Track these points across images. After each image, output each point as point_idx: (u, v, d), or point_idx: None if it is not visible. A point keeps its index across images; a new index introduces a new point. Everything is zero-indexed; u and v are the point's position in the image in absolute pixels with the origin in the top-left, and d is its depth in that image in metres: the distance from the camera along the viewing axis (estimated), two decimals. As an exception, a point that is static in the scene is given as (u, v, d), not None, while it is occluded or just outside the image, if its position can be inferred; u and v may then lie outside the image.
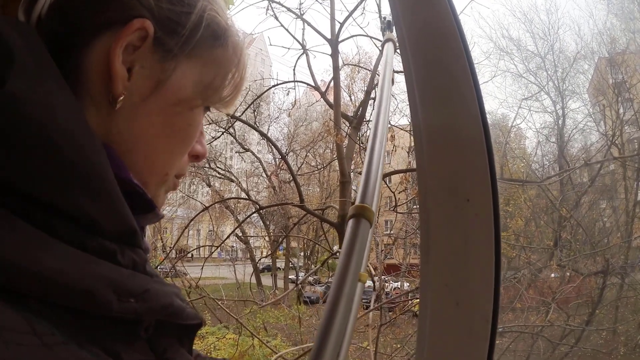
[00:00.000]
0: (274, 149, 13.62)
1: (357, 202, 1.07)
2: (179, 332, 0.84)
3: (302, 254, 26.42)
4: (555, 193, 11.75)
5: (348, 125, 9.30)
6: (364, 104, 9.65)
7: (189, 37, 0.84)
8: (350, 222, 1.04)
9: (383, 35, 2.14)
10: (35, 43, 0.69)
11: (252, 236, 22.26)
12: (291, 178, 10.22)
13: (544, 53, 14.06)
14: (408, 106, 1.05)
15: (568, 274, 10.10)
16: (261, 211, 13.93)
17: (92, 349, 0.62)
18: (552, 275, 10.35)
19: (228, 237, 11.90)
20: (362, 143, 9.33)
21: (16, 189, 0.60)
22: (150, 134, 0.83)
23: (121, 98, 0.77)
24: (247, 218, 13.58)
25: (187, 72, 0.85)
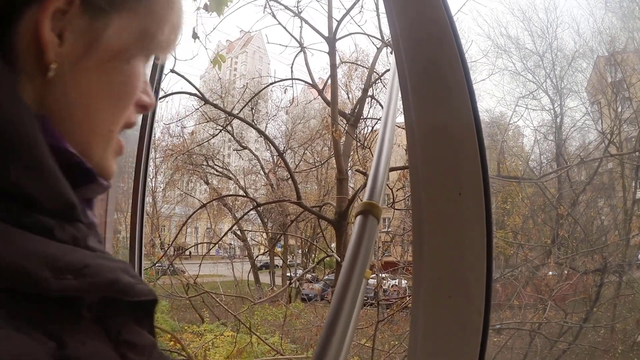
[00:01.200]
0: (272, 147, 13.63)
1: (365, 199, 1.09)
2: (134, 311, 0.80)
3: (299, 251, 26.44)
4: (552, 191, 11.77)
5: (345, 122, 9.33)
6: (361, 102, 9.69)
7: None
8: (358, 219, 1.06)
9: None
10: None
11: (250, 230, 22.24)
12: (289, 175, 10.25)
13: (543, 51, 14.04)
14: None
15: (566, 271, 10.11)
16: (259, 208, 13.96)
17: (32, 333, 0.59)
18: (550, 273, 10.36)
19: (225, 234, 11.90)
20: (359, 140, 9.35)
21: None
22: (88, 96, 0.81)
23: (53, 66, 0.75)
24: (244, 215, 13.60)
25: (120, 26, 0.83)
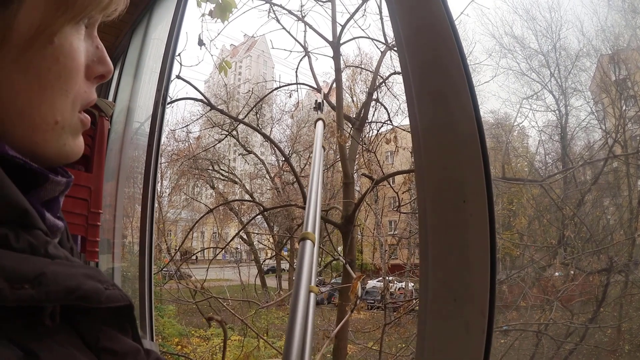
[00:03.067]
0: (278, 151, 13.63)
1: (303, 230, 1.41)
2: (111, 317, 0.77)
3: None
4: (558, 191, 11.73)
5: (350, 126, 9.32)
6: (366, 106, 9.67)
7: None
8: (300, 245, 1.22)
9: (316, 112, 2.83)
10: None
11: (257, 233, 22.19)
12: (294, 179, 10.25)
13: (547, 51, 13.99)
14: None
15: (572, 272, 10.08)
16: (265, 213, 13.95)
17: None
18: (556, 273, 10.34)
19: (232, 239, 11.93)
20: (365, 144, 9.35)
21: None
22: (15, 93, 0.72)
23: None
24: (251, 220, 13.61)
25: (31, 5, 0.71)
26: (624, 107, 11.62)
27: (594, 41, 13.65)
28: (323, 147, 2.34)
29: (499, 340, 10.13)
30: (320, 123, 2.55)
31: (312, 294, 1.26)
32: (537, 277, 10.03)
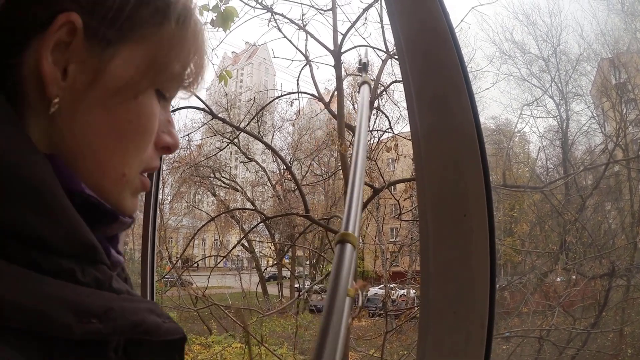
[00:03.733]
0: (279, 160, 13.63)
1: (341, 230, 1.19)
2: (163, 350, 0.79)
3: (307, 262, 26.36)
4: (559, 197, 11.72)
5: (352, 134, 9.31)
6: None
7: (118, 17, 0.77)
8: (337, 247, 1.15)
9: (359, 74, 2.28)
10: None
11: (258, 241, 22.14)
12: (296, 187, 10.24)
13: (547, 56, 13.98)
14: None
15: (574, 277, 10.07)
16: (266, 221, 13.94)
17: None
18: (558, 279, 10.32)
19: (234, 247, 11.90)
20: (366, 152, 9.36)
21: None
22: (94, 134, 0.77)
23: (55, 100, 0.73)
24: (252, 229, 13.59)
25: (128, 56, 0.79)
26: (624, 111, 11.62)
27: (594, 45, 13.63)
28: (369, 118, 1.93)
29: (501, 347, 10.13)
30: (365, 87, 2.02)
31: (347, 299, 1.17)
32: (539, 283, 10.03)
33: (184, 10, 0.86)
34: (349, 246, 1.23)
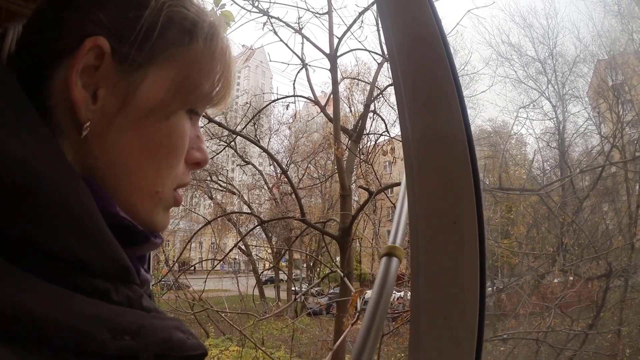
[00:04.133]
0: (275, 164, 13.66)
1: (389, 242, 1.21)
2: None
3: (304, 265, 26.38)
4: (556, 198, 11.73)
5: (348, 138, 9.32)
6: (363, 117, 9.67)
7: (146, 40, 0.80)
8: (384, 259, 1.16)
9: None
10: (13, 87, 0.70)
11: (255, 245, 22.16)
12: (292, 190, 10.25)
13: (544, 58, 14.00)
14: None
15: (571, 278, 10.08)
16: (263, 224, 13.96)
17: None
18: (555, 280, 10.34)
19: (230, 250, 11.90)
20: (362, 155, 9.35)
21: (4, 234, 0.61)
22: (127, 155, 0.80)
23: (87, 124, 0.76)
24: (248, 232, 13.59)
25: (157, 78, 0.82)
26: (621, 112, 11.63)
27: (591, 47, 13.67)
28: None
29: (499, 348, 10.15)
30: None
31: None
32: (537, 285, 10.04)
33: (210, 29, 0.89)
34: (395, 260, 1.27)
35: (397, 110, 1.15)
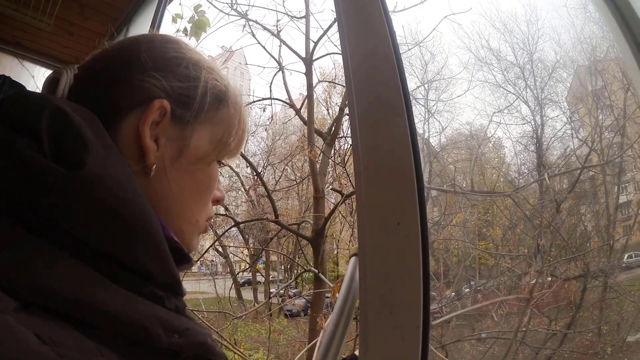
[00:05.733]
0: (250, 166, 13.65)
1: (358, 244, 1.30)
2: None
3: (282, 267, 26.33)
4: (532, 201, 11.79)
5: (322, 141, 9.31)
6: (337, 121, 9.68)
7: (199, 107, 0.99)
8: (352, 260, 1.24)
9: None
10: (98, 128, 0.85)
11: (231, 246, 22.09)
12: (266, 192, 10.22)
13: (523, 63, 14.10)
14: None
15: (549, 279, 10.15)
16: (240, 226, 13.91)
17: None
18: (533, 281, 10.41)
19: (206, 251, 11.86)
20: (335, 158, 9.36)
21: (89, 246, 0.74)
22: (180, 191, 0.98)
23: (154, 167, 0.92)
24: (223, 234, 13.56)
25: (202, 134, 1.00)
26: (600, 117, 11.72)
27: (571, 52, 13.79)
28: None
29: (477, 348, 10.21)
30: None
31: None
32: (514, 286, 10.10)
33: (234, 96, 1.10)
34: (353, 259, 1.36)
35: (349, 120, 1.22)
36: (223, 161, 1.12)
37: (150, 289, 0.81)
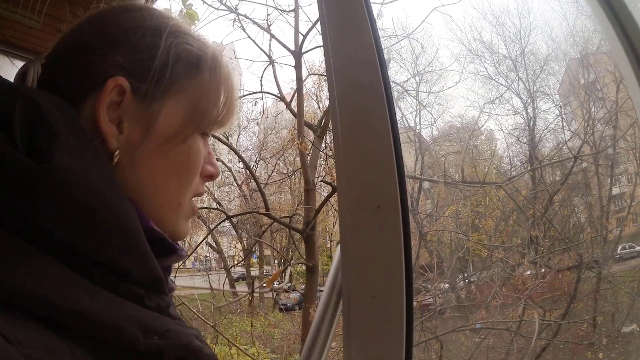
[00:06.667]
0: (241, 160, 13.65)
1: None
2: None
3: (275, 261, 26.35)
4: (524, 192, 11.81)
5: (313, 133, 9.30)
6: (327, 113, 9.67)
7: (160, 77, 0.92)
8: (339, 247, 1.23)
9: None
10: (72, 118, 0.83)
11: (223, 239, 22.07)
12: (257, 186, 10.19)
13: (515, 56, 14.11)
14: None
15: (543, 270, 10.18)
16: (232, 220, 13.92)
17: None
18: (528, 272, 10.43)
19: (198, 245, 11.88)
20: (326, 151, 9.35)
21: (61, 242, 0.72)
22: (153, 175, 0.93)
23: (117, 152, 0.87)
24: (215, 227, 13.60)
25: (173, 108, 0.94)
26: (592, 109, 11.75)
27: (563, 45, 13.82)
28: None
29: (472, 339, 10.23)
30: None
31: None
32: (508, 277, 10.11)
33: (213, 60, 1.02)
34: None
35: (331, 117, 1.21)
36: (211, 133, 1.08)
37: (128, 287, 0.79)
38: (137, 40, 0.93)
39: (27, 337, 0.61)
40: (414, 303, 1.16)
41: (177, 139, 0.95)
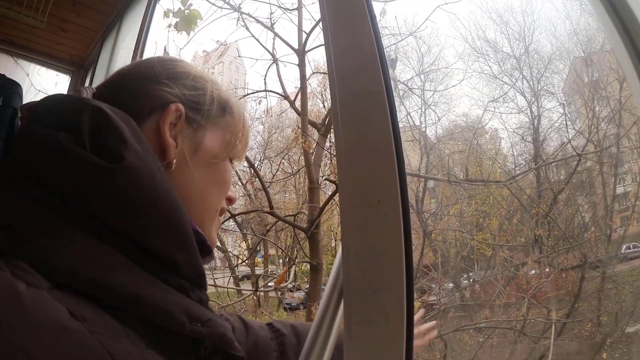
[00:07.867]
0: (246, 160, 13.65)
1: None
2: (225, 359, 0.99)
3: (280, 260, 26.32)
4: (528, 191, 11.80)
5: (317, 131, 9.29)
6: (331, 112, 9.67)
7: (208, 111, 1.12)
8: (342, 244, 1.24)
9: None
10: (134, 127, 0.94)
11: (230, 233, 22.06)
12: (262, 185, 10.21)
13: (519, 54, 14.12)
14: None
15: (547, 269, 10.16)
16: (237, 219, 13.92)
17: (161, 357, 0.81)
18: (532, 271, 10.40)
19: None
20: (330, 150, 9.34)
21: (125, 236, 0.83)
22: (200, 184, 1.09)
23: (174, 161, 1.02)
24: (220, 225, 13.66)
25: (213, 136, 1.12)
26: (597, 108, 11.71)
27: (567, 44, 13.82)
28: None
29: (476, 339, 10.20)
30: None
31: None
32: (512, 276, 10.08)
33: (236, 105, 1.22)
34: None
35: (332, 112, 1.24)
36: (232, 163, 1.23)
37: (176, 279, 0.89)
38: (189, 81, 1.13)
39: (91, 316, 0.71)
40: (418, 303, 1.17)
41: (216, 159, 1.13)
